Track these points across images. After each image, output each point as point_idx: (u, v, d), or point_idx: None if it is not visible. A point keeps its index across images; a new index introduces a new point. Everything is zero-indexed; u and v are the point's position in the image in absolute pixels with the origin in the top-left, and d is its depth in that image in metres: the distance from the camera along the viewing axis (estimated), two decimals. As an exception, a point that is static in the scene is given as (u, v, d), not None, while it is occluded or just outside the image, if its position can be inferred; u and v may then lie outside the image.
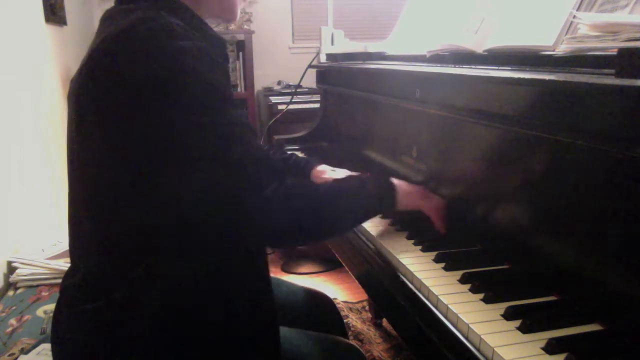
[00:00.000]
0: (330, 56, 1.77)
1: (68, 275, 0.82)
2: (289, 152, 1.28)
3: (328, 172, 1.19)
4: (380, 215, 1.04)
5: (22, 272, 1.47)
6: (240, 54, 2.95)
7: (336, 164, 1.45)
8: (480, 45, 1.01)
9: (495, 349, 0.60)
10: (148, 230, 0.71)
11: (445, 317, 0.70)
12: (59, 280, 0.87)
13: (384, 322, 1.99)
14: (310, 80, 1.95)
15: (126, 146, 0.67)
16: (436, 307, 0.72)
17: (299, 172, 1.22)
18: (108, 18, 0.75)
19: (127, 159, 0.68)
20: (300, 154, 1.68)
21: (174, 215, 0.70)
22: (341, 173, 1.19)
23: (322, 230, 0.85)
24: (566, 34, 0.81)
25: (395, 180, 0.94)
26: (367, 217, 0.94)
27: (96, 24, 0.79)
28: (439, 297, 0.72)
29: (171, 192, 0.68)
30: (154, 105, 0.65)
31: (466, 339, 0.64)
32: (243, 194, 0.70)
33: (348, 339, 1.21)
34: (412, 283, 0.80)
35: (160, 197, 0.69)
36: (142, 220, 0.71)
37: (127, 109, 0.66)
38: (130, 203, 0.71)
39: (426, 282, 0.76)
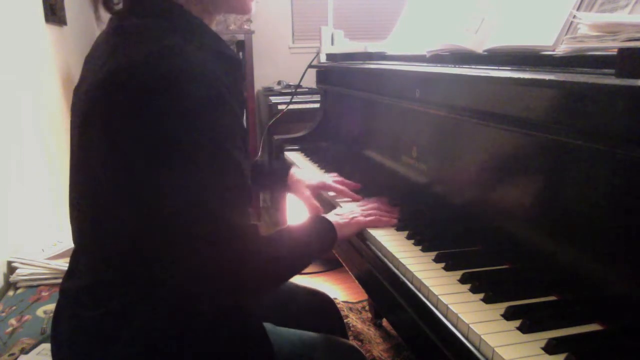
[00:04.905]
0: (330, 56, 1.77)
1: (67, 277, 0.83)
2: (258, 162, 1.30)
3: (298, 174, 1.22)
4: None
5: (22, 272, 1.46)
6: (240, 54, 2.95)
7: (336, 164, 1.45)
8: (480, 45, 1.01)
9: (495, 349, 0.60)
10: (146, 242, 0.72)
11: (445, 317, 0.70)
12: (59, 281, 0.87)
13: (384, 322, 1.99)
14: (310, 80, 1.95)
15: (128, 169, 0.68)
16: (436, 307, 0.72)
17: (276, 180, 1.24)
18: (121, 32, 0.72)
19: (126, 183, 0.69)
20: (300, 154, 1.69)
21: (167, 230, 0.70)
22: (308, 172, 1.26)
23: (282, 283, 0.88)
24: (566, 34, 0.81)
25: (330, 218, 0.96)
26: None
27: (96, 24, 0.78)
28: (439, 297, 0.72)
29: (167, 214, 0.68)
30: (162, 145, 0.65)
31: (466, 339, 0.64)
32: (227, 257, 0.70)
33: (348, 339, 1.21)
34: (412, 283, 0.80)
35: (157, 211, 0.69)
36: (140, 232, 0.71)
37: (136, 144, 0.66)
38: (128, 216, 0.71)
39: (426, 282, 0.76)
